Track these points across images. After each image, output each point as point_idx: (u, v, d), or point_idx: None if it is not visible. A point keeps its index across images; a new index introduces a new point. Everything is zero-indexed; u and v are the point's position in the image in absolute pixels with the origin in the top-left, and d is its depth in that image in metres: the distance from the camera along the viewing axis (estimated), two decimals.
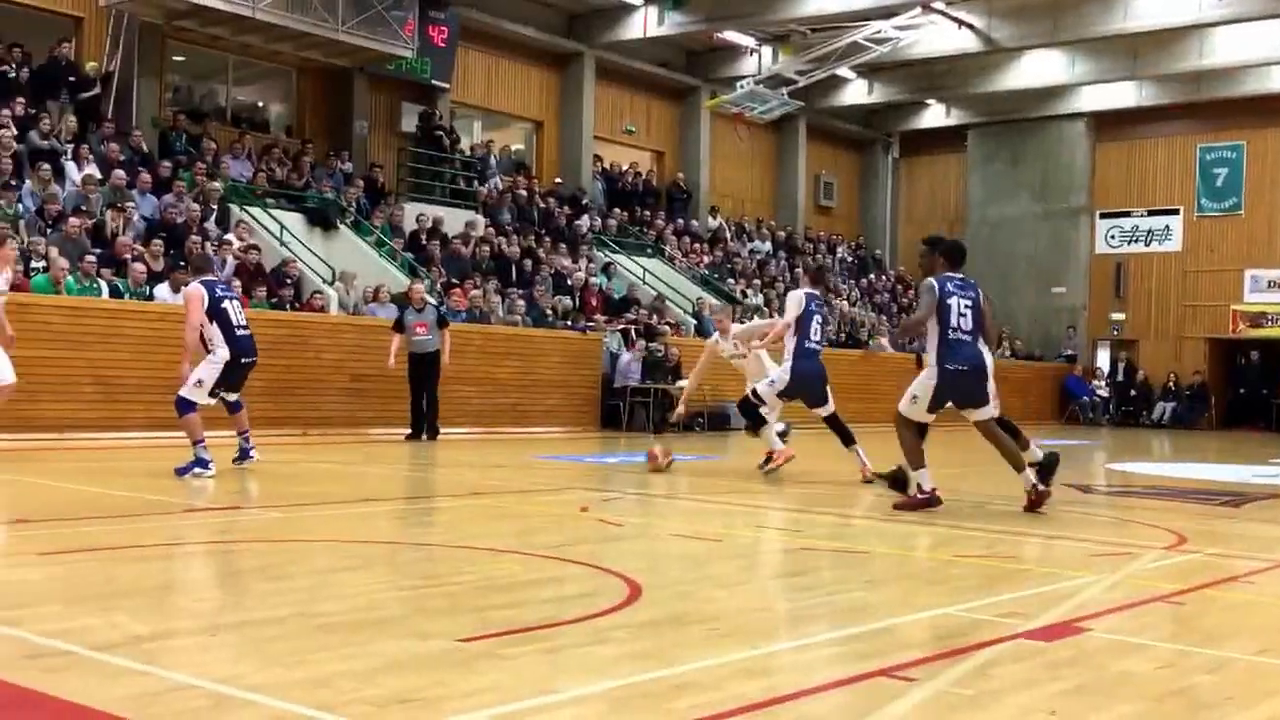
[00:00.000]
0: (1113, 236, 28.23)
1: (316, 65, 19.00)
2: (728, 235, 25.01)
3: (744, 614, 4.39)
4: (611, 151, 24.42)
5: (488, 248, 18.40)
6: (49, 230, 13.15)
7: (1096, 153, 28.17)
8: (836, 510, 7.25)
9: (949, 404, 7.53)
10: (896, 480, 8.13)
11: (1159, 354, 27.34)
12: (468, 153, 21.04)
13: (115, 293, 12.73)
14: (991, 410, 7.61)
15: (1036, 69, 24.89)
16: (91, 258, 12.67)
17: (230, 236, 14.99)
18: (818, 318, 9.39)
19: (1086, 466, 14.32)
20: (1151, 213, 27.75)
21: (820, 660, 3.67)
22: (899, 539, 6.55)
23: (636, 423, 17.02)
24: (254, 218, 15.94)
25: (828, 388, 9.58)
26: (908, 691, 3.23)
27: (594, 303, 18.79)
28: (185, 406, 8.63)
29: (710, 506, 7.65)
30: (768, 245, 25.74)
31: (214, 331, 8.68)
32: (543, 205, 21.19)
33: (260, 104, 20.12)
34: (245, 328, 8.93)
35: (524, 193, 20.97)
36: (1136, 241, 27.90)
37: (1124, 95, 26.39)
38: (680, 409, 11.14)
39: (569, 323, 17.60)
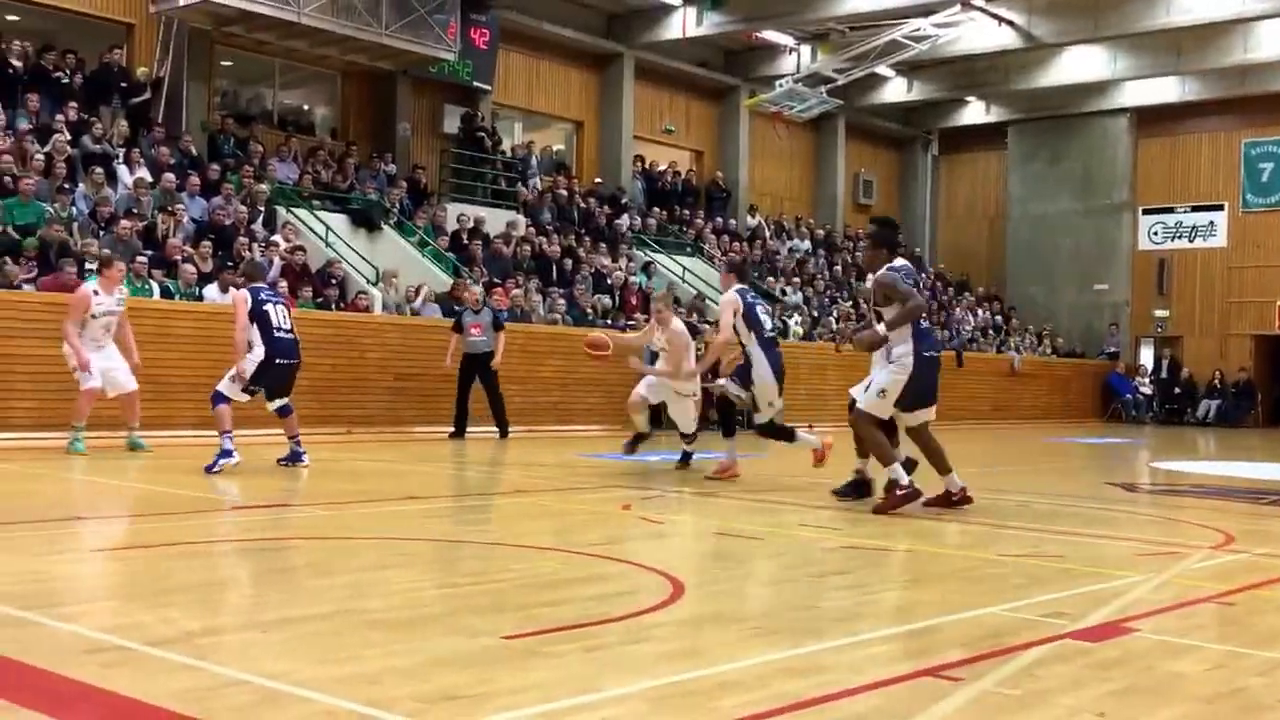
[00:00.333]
0: (1155, 233, 27.85)
1: (360, 69, 19.21)
2: (767, 234, 24.97)
3: (787, 612, 4.40)
4: (651, 151, 24.45)
5: (528, 247, 18.51)
6: (101, 232, 13.40)
7: (1139, 148, 27.80)
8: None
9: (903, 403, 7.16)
10: (862, 486, 7.73)
11: (1204, 351, 26.93)
12: (509, 153, 21.17)
13: (166, 293, 12.96)
14: (933, 412, 7.37)
15: (1077, 65, 24.61)
16: (143, 259, 12.92)
17: (277, 238, 15.19)
18: (761, 308, 9.06)
19: (1131, 465, 14.15)
20: (1195, 208, 27.35)
21: (864, 659, 3.67)
22: (941, 538, 6.52)
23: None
24: (300, 219, 16.16)
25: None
26: (954, 691, 3.22)
27: (634, 302, 18.84)
28: (218, 399, 8.97)
29: (751, 504, 7.64)
30: (807, 244, 25.67)
31: (254, 333, 8.96)
32: (583, 205, 21.27)
33: (306, 107, 20.37)
34: (287, 331, 9.12)
35: (564, 193, 21.06)
36: (1180, 238, 27.51)
37: (1167, 90, 26.04)
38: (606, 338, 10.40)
39: (609, 322, 17.65)
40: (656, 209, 22.80)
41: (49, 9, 16.48)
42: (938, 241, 30.90)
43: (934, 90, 26.72)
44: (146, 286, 12.76)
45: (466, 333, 13.72)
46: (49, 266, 12.30)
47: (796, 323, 20.84)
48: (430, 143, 20.36)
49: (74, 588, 4.66)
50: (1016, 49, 22.82)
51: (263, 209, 15.82)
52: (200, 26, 16.98)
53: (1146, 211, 27.92)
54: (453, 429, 13.81)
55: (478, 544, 6.01)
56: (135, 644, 3.50)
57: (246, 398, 9.13)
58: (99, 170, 14.25)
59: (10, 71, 15.05)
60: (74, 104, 15.15)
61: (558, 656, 3.50)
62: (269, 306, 9.06)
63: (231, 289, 9.38)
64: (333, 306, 14.70)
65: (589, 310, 17.68)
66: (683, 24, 21.86)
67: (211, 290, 13.24)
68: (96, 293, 10.10)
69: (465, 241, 17.76)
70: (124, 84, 16.16)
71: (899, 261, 7.32)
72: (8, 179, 13.19)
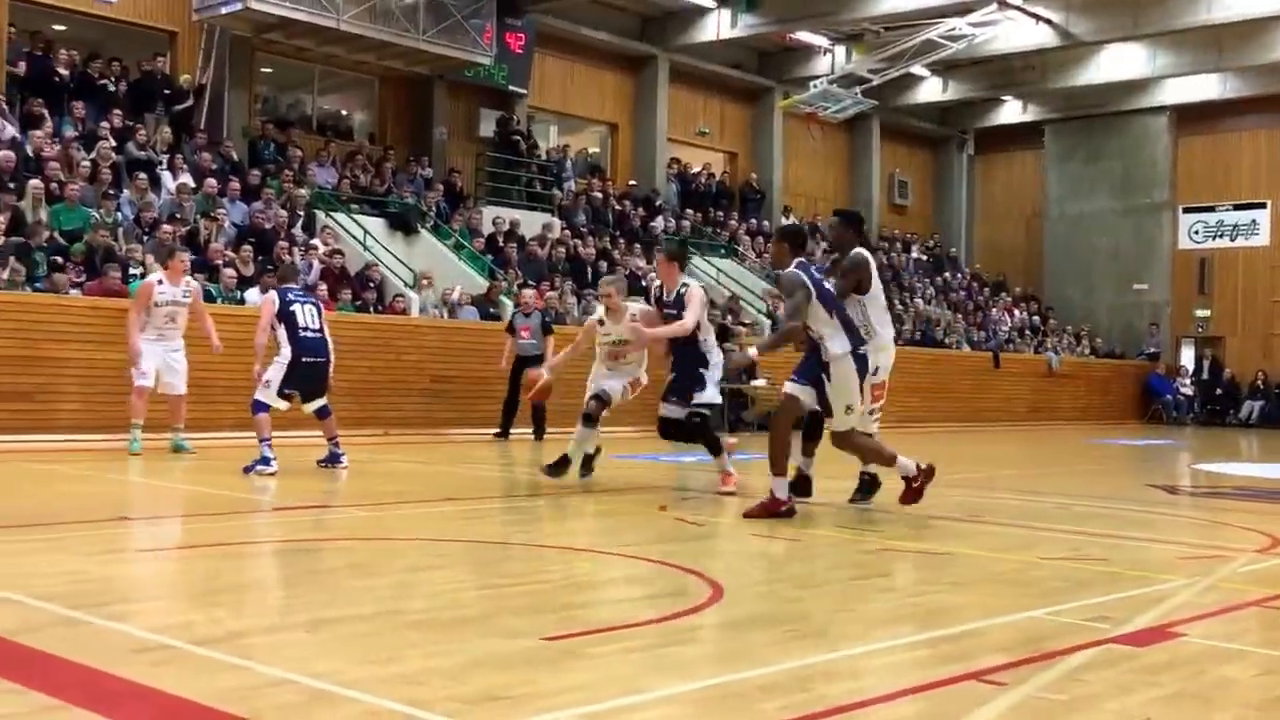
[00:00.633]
0: (1196, 231, 27.47)
1: (398, 74, 19.37)
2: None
3: (827, 615, 4.39)
4: (685, 153, 24.46)
5: (563, 249, 18.58)
6: (146, 237, 13.61)
7: (1179, 146, 27.44)
8: (916, 510, 7.17)
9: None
10: (872, 484, 7.51)
11: (1246, 351, 26.52)
12: (544, 156, 21.26)
13: (208, 297, 13.10)
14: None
15: (1116, 62, 24.33)
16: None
17: (316, 241, 15.36)
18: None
19: (1172, 467, 13.96)
20: (1237, 207, 26.95)
21: (906, 663, 3.66)
22: (981, 540, 6.47)
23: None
24: (338, 223, 16.31)
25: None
26: (997, 696, 3.20)
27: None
28: (257, 407, 9.07)
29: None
30: None
31: (281, 334, 9.06)
32: (617, 207, 21.33)
33: (344, 112, 20.57)
34: (315, 330, 9.18)
35: (599, 195, 21.12)
36: (1222, 236, 27.12)
37: (1208, 87, 25.68)
38: (546, 376, 9.20)
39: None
40: (690, 211, 22.80)
41: (95, 18, 16.75)
42: (974, 241, 30.65)
43: (970, 90, 26.51)
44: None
45: (517, 335, 13.84)
46: (95, 271, 12.50)
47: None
48: (466, 146, 20.48)
49: (122, 588, 4.74)
50: (1054, 47, 22.59)
51: (302, 213, 15.99)
52: (241, 34, 17.19)
53: (1187, 210, 27.54)
54: (498, 430, 13.90)
55: (516, 545, 6.04)
56: (183, 643, 3.56)
57: (285, 405, 9.21)
58: (143, 176, 14.46)
59: (57, 80, 15.32)
60: (119, 111, 15.39)
61: (598, 658, 3.52)
62: (297, 307, 9.16)
63: (261, 291, 9.59)
64: (371, 309, 14.83)
65: None
66: (717, 26, 21.85)
67: (252, 294, 13.39)
68: (161, 282, 10.38)
69: (501, 244, 17.86)
70: (167, 91, 16.40)
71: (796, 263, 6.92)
72: (55, 185, 13.43)
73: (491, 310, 15.85)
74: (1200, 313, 27.28)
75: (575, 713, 2.99)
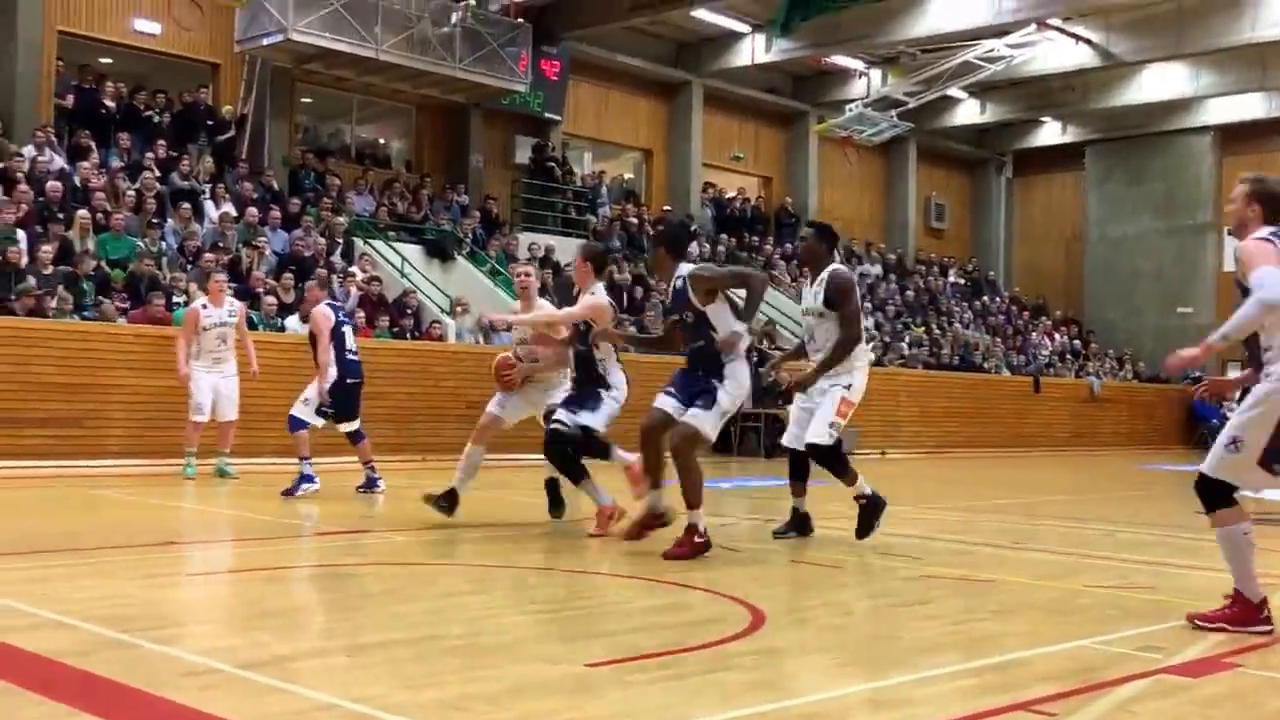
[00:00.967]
0: None
1: (434, 102, 19.59)
2: (837, 259, 24.78)
3: (869, 643, 4.35)
4: (720, 178, 24.51)
5: None
6: (189, 266, 13.83)
7: (1224, 167, 27.07)
8: (956, 537, 7.09)
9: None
10: (875, 505, 7.02)
11: None
12: (579, 182, 21.39)
13: (250, 325, 13.28)
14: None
15: (1158, 82, 24.10)
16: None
17: (354, 269, 15.53)
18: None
19: None
20: None
21: (951, 692, 3.61)
22: (1025, 567, 6.39)
23: (747, 447, 16.98)
24: (376, 250, 16.49)
25: None
26: None
27: None
28: (295, 424, 9.19)
29: (825, 532, 7.57)
30: (878, 268, 25.45)
31: (330, 353, 9.18)
32: (652, 233, 21.37)
33: (381, 141, 20.82)
34: (354, 352, 9.42)
35: (634, 220, 21.21)
36: None
37: (1252, 107, 25.36)
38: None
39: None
40: (725, 235, 22.82)
41: (141, 51, 17.11)
42: (1013, 264, 30.41)
43: (1008, 111, 26.37)
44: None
45: None
46: (139, 299, 12.71)
47: (870, 348, 20.65)
48: (502, 173, 20.66)
49: (169, 611, 4.79)
50: (1094, 68, 22.43)
51: (340, 241, 16.18)
52: (282, 65, 17.49)
53: (1232, 231, 27.16)
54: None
55: (555, 570, 6.03)
56: (229, 667, 3.59)
57: (320, 421, 9.32)
58: (186, 205, 14.71)
59: (104, 112, 15.65)
60: (163, 142, 15.69)
61: (641, 685, 3.51)
62: (345, 329, 9.37)
63: (312, 308, 9.41)
64: (408, 335, 14.95)
65: None
66: (751, 51, 21.92)
67: (293, 321, 13.55)
68: (205, 306, 10.57)
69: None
70: (210, 122, 16.69)
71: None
72: (101, 215, 13.69)
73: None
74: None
75: None
